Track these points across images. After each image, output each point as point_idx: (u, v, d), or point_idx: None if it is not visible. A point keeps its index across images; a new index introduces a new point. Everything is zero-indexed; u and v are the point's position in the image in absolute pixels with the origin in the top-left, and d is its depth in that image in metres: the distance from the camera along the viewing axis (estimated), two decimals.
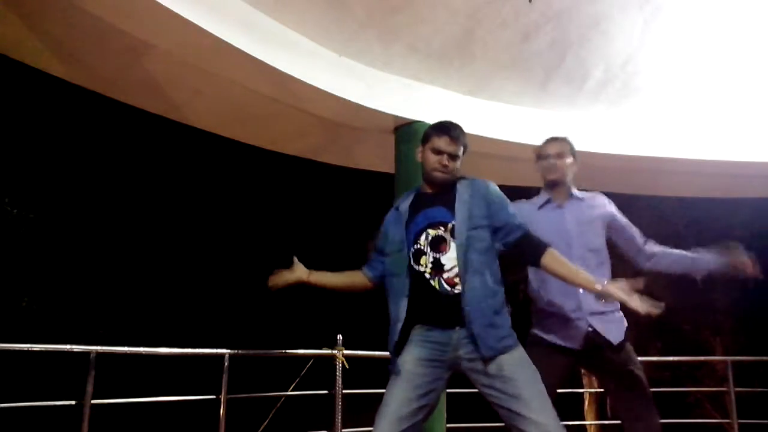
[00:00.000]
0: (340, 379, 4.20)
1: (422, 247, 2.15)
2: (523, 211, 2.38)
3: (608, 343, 2.43)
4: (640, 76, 4.80)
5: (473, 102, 4.93)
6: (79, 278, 11.25)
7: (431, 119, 4.60)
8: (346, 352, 4.28)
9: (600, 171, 5.07)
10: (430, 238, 2.15)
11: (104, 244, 11.91)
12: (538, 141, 2.73)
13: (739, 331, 11.69)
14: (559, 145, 2.67)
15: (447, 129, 2.24)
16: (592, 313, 2.44)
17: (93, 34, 3.79)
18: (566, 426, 2.00)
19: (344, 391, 4.22)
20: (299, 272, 2.48)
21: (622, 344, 2.48)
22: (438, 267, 2.11)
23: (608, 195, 2.71)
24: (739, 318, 11.55)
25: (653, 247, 2.60)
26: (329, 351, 4.26)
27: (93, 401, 3.29)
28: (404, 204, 2.30)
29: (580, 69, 4.68)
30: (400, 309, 2.15)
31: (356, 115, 4.60)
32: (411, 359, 2.09)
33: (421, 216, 2.21)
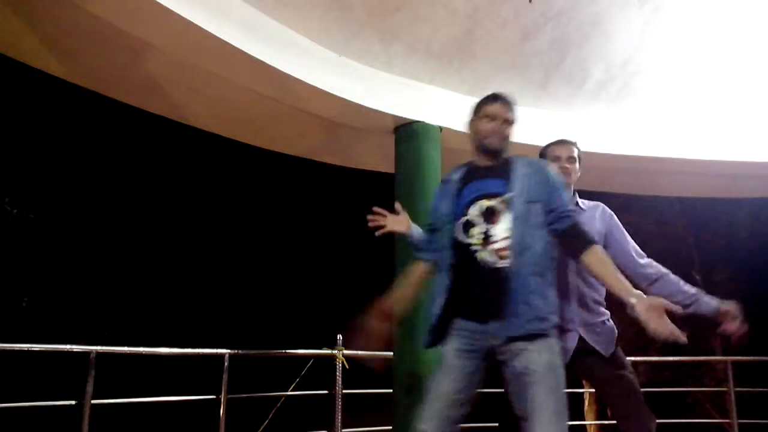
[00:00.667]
0: (340, 379, 4.21)
1: (473, 219, 2.09)
2: None
3: (598, 353, 2.43)
4: (640, 76, 4.80)
5: (473, 102, 4.92)
6: (79, 278, 11.24)
7: (431, 119, 4.67)
8: (346, 352, 4.29)
9: (600, 171, 5.07)
10: (483, 208, 2.08)
11: (104, 244, 11.91)
12: (538, 141, 2.72)
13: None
14: (569, 148, 2.63)
15: (498, 96, 2.24)
16: (584, 325, 2.44)
17: (93, 34, 3.79)
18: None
19: (344, 391, 4.22)
20: (406, 225, 2.56)
21: (612, 355, 2.47)
22: (488, 239, 2.04)
23: (608, 195, 2.71)
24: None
25: (655, 270, 2.50)
26: (329, 351, 4.26)
27: (93, 401, 3.29)
28: (455, 175, 2.25)
29: (580, 69, 4.68)
30: (441, 282, 2.11)
31: (356, 115, 4.60)
32: (450, 350, 2.04)
33: (473, 187, 2.15)
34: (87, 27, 3.68)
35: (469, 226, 2.08)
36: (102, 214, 12.03)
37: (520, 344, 1.93)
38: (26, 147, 10.97)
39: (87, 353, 3.34)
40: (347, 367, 4.26)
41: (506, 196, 2.07)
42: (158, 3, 3.32)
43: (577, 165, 2.62)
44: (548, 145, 2.69)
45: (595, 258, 2.03)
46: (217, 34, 3.62)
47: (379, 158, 5.36)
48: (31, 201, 10.83)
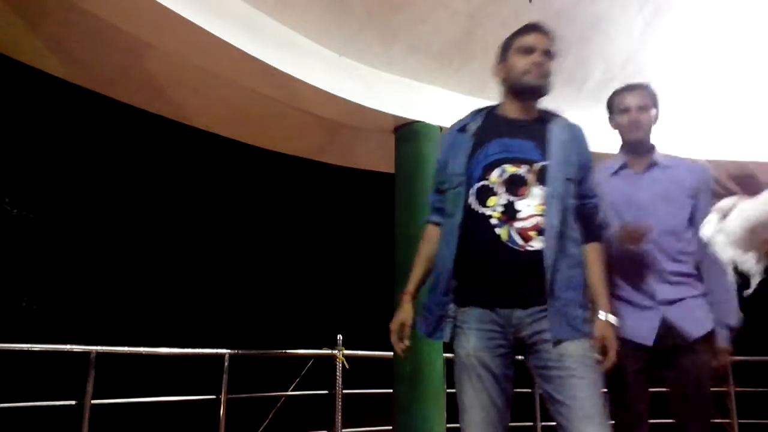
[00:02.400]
0: (340, 379, 4.21)
1: (493, 185, 1.71)
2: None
3: (684, 338, 1.97)
4: (640, 76, 4.76)
5: (473, 102, 4.89)
6: (79, 278, 11.24)
7: (431, 119, 4.67)
8: (346, 352, 4.29)
9: None
10: (506, 175, 1.71)
11: (104, 244, 11.91)
12: None
13: (739, 330, 11.68)
14: (640, 94, 2.16)
15: (534, 25, 1.87)
16: (667, 302, 1.99)
17: (93, 34, 3.79)
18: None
19: (344, 391, 4.22)
20: (409, 310, 1.84)
21: (701, 340, 1.98)
22: (511, 213, 1.68)
23: None
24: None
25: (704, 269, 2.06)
26: (329, 351, 4.26)
27: (93, 401, 3.29)
28: (472, 124, 1.83)
29: (580, 69, 4.68)
30: (446, 260, 1.73)
31: (356, 115, 4.60)
32: (474, 351, 1.68)
33: (497, 145, 1.75)
34: (87, 27, 3.68)
35: (486, 193, 1.70)
36: (102, 214, 12.02)
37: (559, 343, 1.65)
38: (26, 147, 10.96)
39: (87, 353, 3.34)
40: (347, 367, 4.26)
41: (538, 165, 1.70)
42: (158, 3, 3.32)
43: (653, 112, 2.14)
44: (615, 93, 2.24)
45: (591, 255, 1.76)
46: (217, 34, 3.62)
47: (379, 158, 5.36)
48: (31, 201, 10.83)
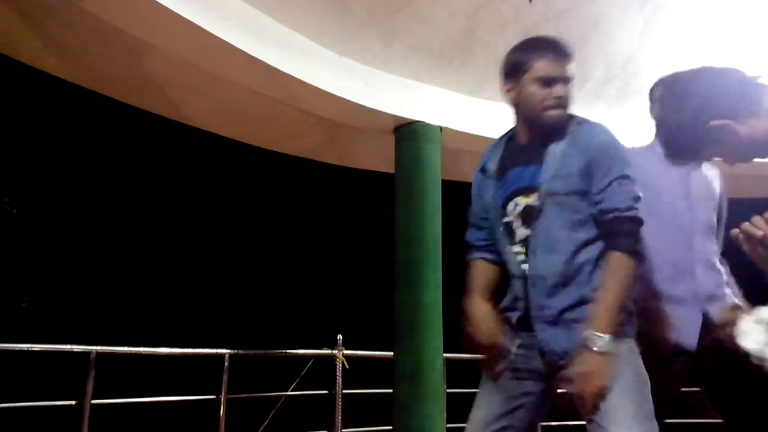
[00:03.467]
0: (340, 379, 4.21)
1: (511, 221, 1.63)
2: (638, 163, 1.68)
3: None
4: (640, 76, 4.80)
5: (473, 102, 4.93)
6: (79, 278, 11.24)
7: (431, 119, 4.67)
8: (346, 352, 4.29)
9: None
10: (519, 208, 1.62)
11: (104, 244, 11.91)
12: None
13: None
14: None
15: (551, 45, 1.63)
16: (709, 298, 1.78)
17: (93, 34, 3.79)
18: (567, 426, 1.93)
19: (344, 391, 4.23)
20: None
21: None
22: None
23: None
24: None
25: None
26: (329, 351, 4.26)
27: (93, 401, 3.29)
28: (491, 163, 1.72)
29: (580, 69, 4.67)
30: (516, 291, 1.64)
31: (356, 115, 4.60)
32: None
33: (511, 177, 1.65)
34: (87, 27, 3.68)
35: (510, 231, 1.63)
36: (102, 214, 12.02)
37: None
38: (26, 147, 10.97)
39: (87, 353, 3.34)
40: (347, 367, 4.27)
41: (541, 188, 1.58)
42: (158, 3, 3.32)
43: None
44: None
45: (609, 265, 1.53)
46: (217, 34, 3.62)
47: (379, 158, 5.36)
48: (31, 201, 10.83)
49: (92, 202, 11.92)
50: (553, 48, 1.62)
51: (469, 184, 1.86)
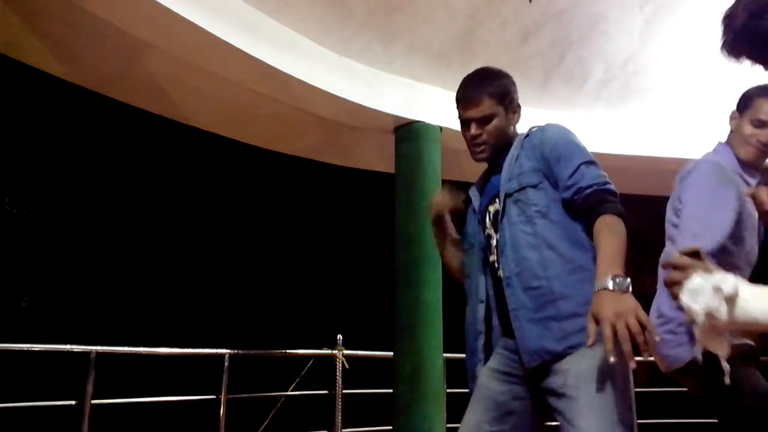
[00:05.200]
0: (340, 379, 4.21)
1: (489, 230, 1.70)
2: (730, 178, 1.72)
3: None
4: (640, 76, 4.80)
5: None
6: (79, 278, 11.24)
7: (431, 119, 4.67)
8: (346, 352, 4.29)
9: None
10: (491, 215, 1.69)
11: (104, 244, 11.91)
12: None
13: None
14: None
15: (459, 93, 1.73)
16: None
17: (93, 34, 3.79)
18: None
19: (344, 391, 4.22)
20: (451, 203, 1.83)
21: None
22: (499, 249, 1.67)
23: None
24: None
25: None
26: (329, 351, 4.26)
27: (93, 401, 3.29)
28: (474, 189, 1.81)
29: (580, 69, 4.68)
30: (477, 317, 1.67)
31: (356, 115, 4.60)
32: (486, 370, 1.63)
33: (485, 194, 1.76)
34: (87, 27, 3.68)
35: (489, 240, 1.69)
36: (102, 214, 12.02)
37: (550, 365, 1.50)
38: (26, 147, 10.97)
39: (87, 353, 3.34)
40: (347, 367, 4.27)
41: (500, 193, 1.66)
42: (158, 3, 3.32)
43: None
44: (761, 94, 1.88)
45: (599, 226, 1.52)
46: (217, 34, 3.62)
47: (379, 158, 5.36)
48: (31, 201, 10.83)
49: (92, 203, 11.93)
50: (461, 97, 1.72)
51: (469, 184, 1.87)
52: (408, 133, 4.68)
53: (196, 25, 3.52)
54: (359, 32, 4.25)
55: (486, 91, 1.68)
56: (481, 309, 1.66)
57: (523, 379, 1.56)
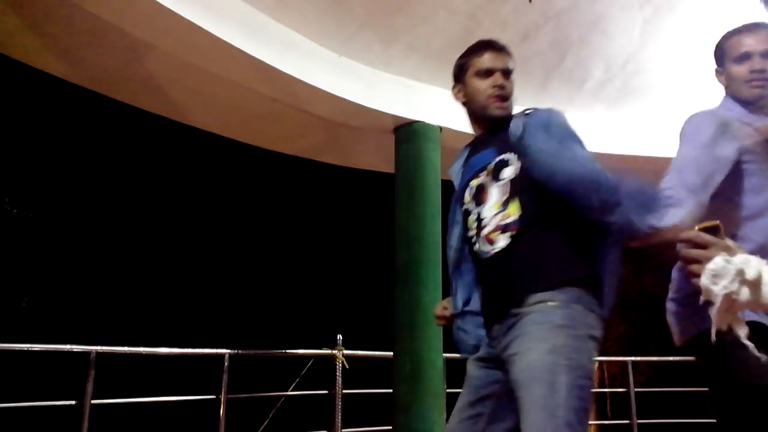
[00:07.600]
0: (340, 379, 4.21)
1: (468, 206, 1.65)
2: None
3: None
4: (640, 76, 4.80)
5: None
6: (79, 278, 11.25)
7: (431, 119, 4.67)
8: (346, 352, 4.29)
9: None
10: (473, 190, 1.64)
11: (104, 244, 11.92)
12: None
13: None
14: (766, 37, 1.69)
15: (485, 43, 1.73)
16: None
17: (93, 34, 3.79)
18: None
19: (344, 391, 4.22)
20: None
21: None
22: (479, 224, 1.59)
23: None
24: None
25: None
26: (329, 351, 4.26)
27: (93, 401, 3.29)
28: (457, 164, 1.78)
29: (580, 69, 4.69)
30: (457, 300, 1.68)
31: (356, 115, 4.60)
32: (472, 359, 1.64)
33: (467, 169, 1.71)
34: (87, 27, 3.68)
35: (467, 216, 1.65)
36: (102, 214, 12.03)
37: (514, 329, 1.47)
38: (26, 147, 10.97)
39: (87, 353, 3.34)
40: (347, 367, 4.26)
41: (492, 163, 1.61)
42: (158, 3, 3.32)
43: None
44: (728, 36, 1.80)
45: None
46: (217, 34, 3.62)
47: (379, 158, 5.36)
48: (31, 201, 10.84)
49: (92, 202, 11.93)
50: (489, 45, 1.73)
51: None
52: (408, 133, 4.68)
53: (197, 26, 3.52)
54: (359, 32, 4.25)
55: (510, 51, 1.74)
56: (461, 290, 1.68)
57: (497, 363, 1.54)
